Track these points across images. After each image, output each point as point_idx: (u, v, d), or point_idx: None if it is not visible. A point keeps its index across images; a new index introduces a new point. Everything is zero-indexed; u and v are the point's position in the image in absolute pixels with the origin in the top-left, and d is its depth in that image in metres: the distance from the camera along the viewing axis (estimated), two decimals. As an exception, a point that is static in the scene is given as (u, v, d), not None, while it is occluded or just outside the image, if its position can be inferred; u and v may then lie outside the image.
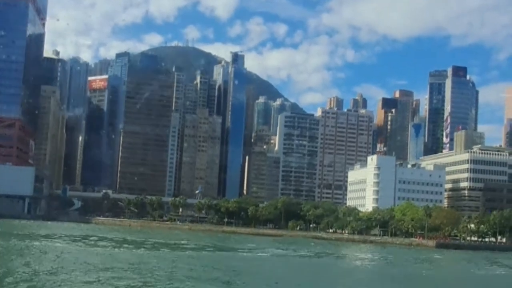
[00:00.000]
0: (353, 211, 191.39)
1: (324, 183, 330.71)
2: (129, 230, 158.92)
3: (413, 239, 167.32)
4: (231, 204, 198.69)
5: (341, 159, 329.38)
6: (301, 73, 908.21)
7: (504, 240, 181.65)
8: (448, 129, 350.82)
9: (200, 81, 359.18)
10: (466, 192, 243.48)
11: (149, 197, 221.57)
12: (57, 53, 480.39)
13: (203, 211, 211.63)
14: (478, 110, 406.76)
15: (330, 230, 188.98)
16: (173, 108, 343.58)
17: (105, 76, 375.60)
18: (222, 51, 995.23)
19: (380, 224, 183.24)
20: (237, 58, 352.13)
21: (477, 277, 66.84)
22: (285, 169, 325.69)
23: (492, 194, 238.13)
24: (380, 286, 50.76)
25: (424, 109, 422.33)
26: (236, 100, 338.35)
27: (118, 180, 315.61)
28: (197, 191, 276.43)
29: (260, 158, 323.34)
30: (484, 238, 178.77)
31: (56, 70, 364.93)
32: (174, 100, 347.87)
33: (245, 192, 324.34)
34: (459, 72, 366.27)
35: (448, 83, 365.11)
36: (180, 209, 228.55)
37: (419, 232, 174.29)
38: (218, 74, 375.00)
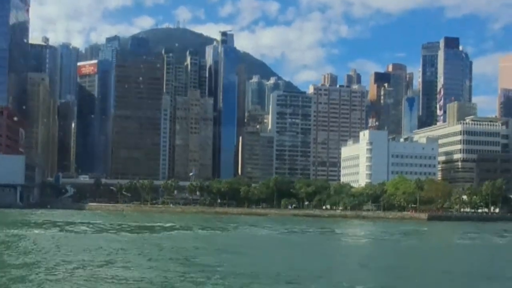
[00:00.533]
0: (345, 187, 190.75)
1: (318, 160, 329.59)
2: (120, 215, 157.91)
3: (405, 212, 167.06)
4: (223, 185, 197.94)
5: (335, 136, 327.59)
6: (295, 51, 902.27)
7: (497, 210, 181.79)
8: (442, 101, 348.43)
9: (190, 62, 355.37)
10: (459, 164, 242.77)
11: (141, 181, 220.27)
12: (47, 39, 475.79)
13: (197, 193, 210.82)
14: (473, 81, 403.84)
15: (327, 207, 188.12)
16: (164, 90, 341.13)
17: (95, 61, 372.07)
18: (214, 32, 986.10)
19: (373, 199, 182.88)
20: (226, 37, 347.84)
21: (452, 246, 66.03)
22: (279, 148, 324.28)
23: (486, 165, 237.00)
24: (348, 260, 49.57)
25: (418, 82, 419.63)
26: (227, 80, 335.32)
27: (112, 166, 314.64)
28: (191, 173, 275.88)
29: (253, 138, 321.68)
30: (478, 209, 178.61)
31: (44, 57, 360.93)
32: (164, 82, 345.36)
33: (239, 172, 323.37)
34: (451, 43, 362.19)
35: (441, 55, 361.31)
36: (175, 192, 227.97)
37: (411, 205, 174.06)
38: (209, 55, 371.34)
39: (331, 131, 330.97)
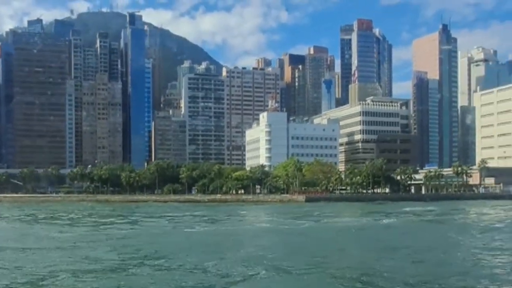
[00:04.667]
0: (225, 170, 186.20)
1: (233, 144, 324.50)
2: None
3: (284, 195, 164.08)
4: (103, 171, 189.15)
5: (249, 119, 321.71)
6: (235, 37, 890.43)
7: (385, 190, 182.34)
8: (356, 83, 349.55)
9: (100, 46, 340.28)
10: (360, 144, 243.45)
11: (23, 170, 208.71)
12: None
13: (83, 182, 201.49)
14: (393, 64, 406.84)
15: (231, 193, 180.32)
16: (73, 75, 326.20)
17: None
18: (151, 17, 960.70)
19: (259, 182, 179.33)
20: (134, 19, 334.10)
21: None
22: (192, 133, 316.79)
23: (385, 145, 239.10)
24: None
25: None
26: (137, 63, 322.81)
27: (16, 155, 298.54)
28: (96, 161, 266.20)
29: (165, 123, 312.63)
30: (367, 189, 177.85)
31: None
32: (73, 66, 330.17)
33: (153, 158, 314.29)
34: (364, 25, 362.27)
35: (354, 37, 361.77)
36: (75, 181, 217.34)
37: (293, 187, 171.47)
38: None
39: (245, 114, 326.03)
